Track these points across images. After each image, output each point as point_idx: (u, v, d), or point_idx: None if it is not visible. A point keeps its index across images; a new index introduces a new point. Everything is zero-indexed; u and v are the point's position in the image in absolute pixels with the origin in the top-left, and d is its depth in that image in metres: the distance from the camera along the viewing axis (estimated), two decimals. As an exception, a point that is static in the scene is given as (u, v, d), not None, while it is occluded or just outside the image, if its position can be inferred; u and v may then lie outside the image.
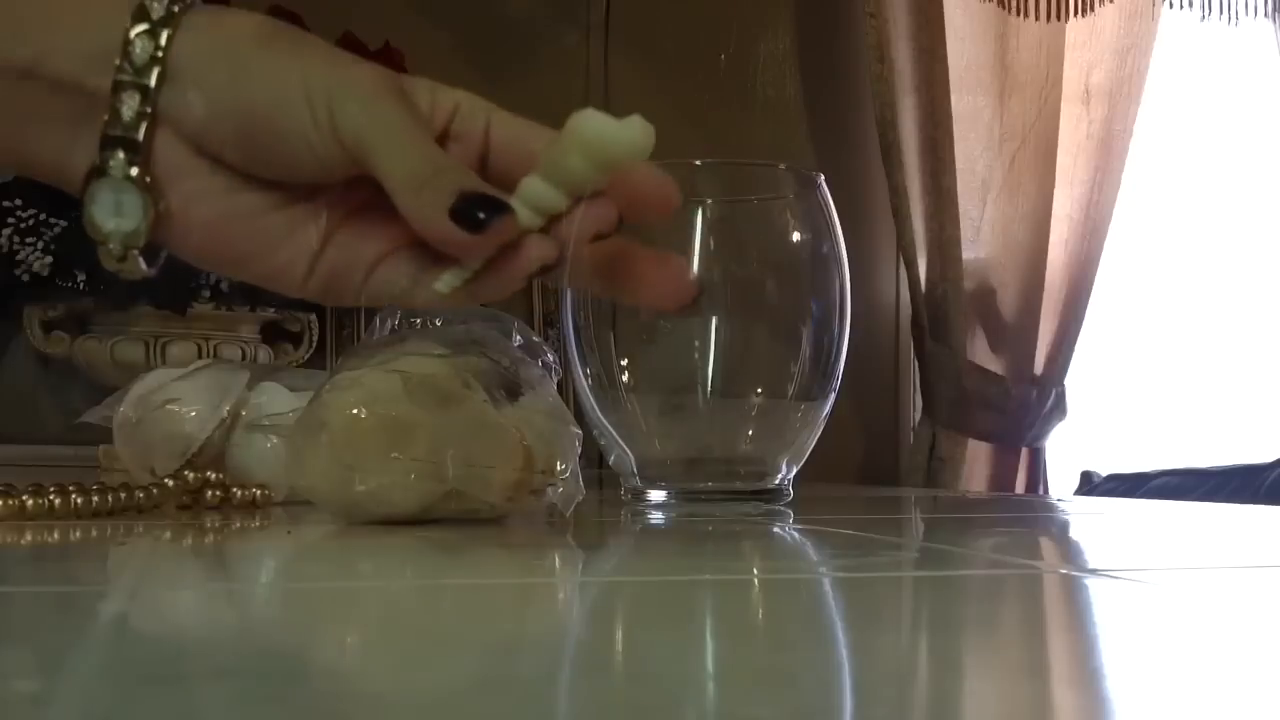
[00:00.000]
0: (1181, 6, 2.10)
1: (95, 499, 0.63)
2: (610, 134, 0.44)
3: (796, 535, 0.63)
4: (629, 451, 0.75)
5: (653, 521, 0.66)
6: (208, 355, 1.48)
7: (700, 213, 0.74)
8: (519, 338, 0.65)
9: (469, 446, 0.58)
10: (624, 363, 0.75)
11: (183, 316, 1.48)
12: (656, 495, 0.73)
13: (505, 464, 0.58)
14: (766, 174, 0.84)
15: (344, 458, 0.58)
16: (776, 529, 0.64)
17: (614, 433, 0.75)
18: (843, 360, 0.76)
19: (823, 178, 0.77)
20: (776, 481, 0.75)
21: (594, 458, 2.00)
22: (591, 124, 0.44)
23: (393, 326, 0.66)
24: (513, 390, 0.63)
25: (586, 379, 0.76)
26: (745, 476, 0.75)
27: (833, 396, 0.76)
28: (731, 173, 0.80)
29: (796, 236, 0.77)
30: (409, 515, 0.58)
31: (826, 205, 0.77)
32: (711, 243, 0.74)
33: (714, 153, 0.79)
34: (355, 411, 0.58)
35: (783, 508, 0.74)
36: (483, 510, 0.58)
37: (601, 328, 0.76)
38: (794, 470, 0.76)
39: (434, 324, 0.65)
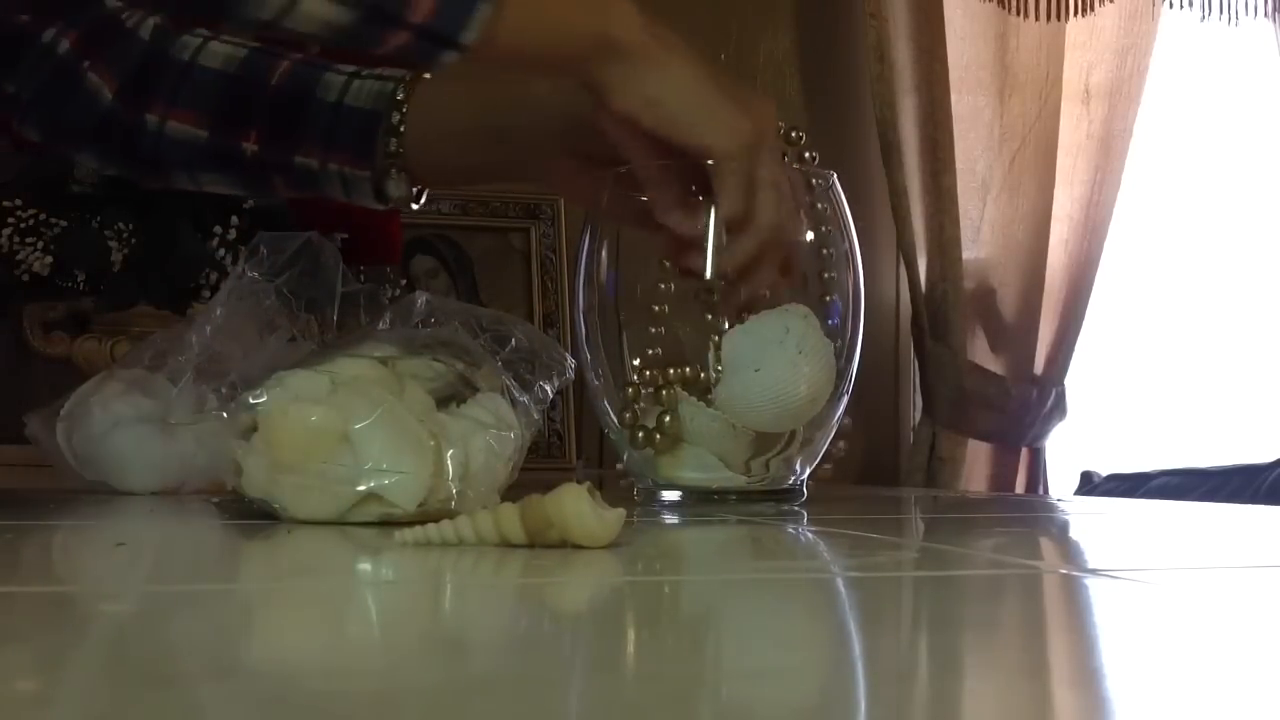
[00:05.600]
0: (1181, 6, 2.10)
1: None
2: (588, 520, 0.48)
3: (796, 534, 0.63)
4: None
5: (668, 521, 0.66)
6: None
7: (713, 212, 0.74)
8: (521, 339, 0.65)
9: (382, 450, 0.58)
10: (635, 363, 0.74)
11: (182, 317, 1.48)
12: (670, 495, 0.73)
13: (416, 469, 0.58)
14: None
15: (266, 458, 0.58)
16: (781, 529, 0.64)
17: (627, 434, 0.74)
18: (856, 360, 0.76)
19: (835, 177, 0.77)
20: (790, 482, 0.75)
21: (593, 457, 1.98)
22: (578, 505, 0.48)
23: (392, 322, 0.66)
24: (459, 396, 0.63)
25: (597, 380, 0.75)
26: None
27: (846, 398, 0.75)
28: None
29: (809, 236, 0.77)
30: (327, 517, 0.58)
31: (839, 205, 0.76)
32: (725, 242, 0.74)
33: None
34: (276, 412, 0.58)
35: (796, 508, 0.73)
36: (397, 515, 0.58)
37: (610, 330, 0.75)
38: (808, 471, 0.75)
39: (414, 324, 0.65)
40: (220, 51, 0.80)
